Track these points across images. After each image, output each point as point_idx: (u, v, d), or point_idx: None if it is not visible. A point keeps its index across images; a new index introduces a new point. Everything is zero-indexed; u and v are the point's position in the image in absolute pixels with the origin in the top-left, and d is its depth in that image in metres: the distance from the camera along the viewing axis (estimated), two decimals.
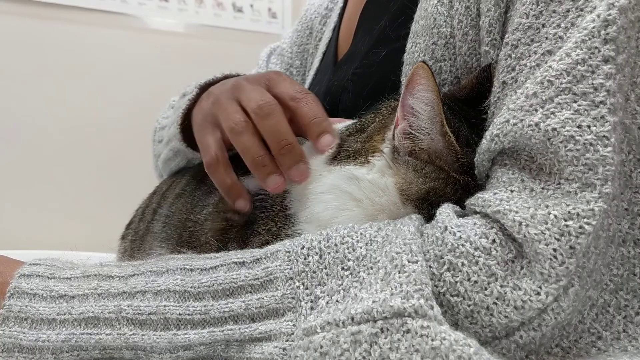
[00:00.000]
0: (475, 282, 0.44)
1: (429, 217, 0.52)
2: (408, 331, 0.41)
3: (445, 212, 0.49)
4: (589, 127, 0.45)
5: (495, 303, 0.44)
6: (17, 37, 1.81)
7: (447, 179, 0.54)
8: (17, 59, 1.81)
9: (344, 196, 0.58)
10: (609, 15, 0.46)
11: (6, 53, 1.79)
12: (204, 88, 0.75)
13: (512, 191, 0.48)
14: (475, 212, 0.49)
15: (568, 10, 0.49)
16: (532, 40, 0.51)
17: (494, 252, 0.45)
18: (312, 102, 0.61)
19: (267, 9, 2.22)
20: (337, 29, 0.94)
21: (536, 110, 0.47)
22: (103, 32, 1.93)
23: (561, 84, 0.46)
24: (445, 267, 0.46)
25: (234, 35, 2.15)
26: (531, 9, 0.51)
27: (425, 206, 0.54)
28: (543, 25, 0.50)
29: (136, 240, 0.77)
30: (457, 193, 0.54)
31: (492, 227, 0.46)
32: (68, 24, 1.88)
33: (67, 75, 1.87)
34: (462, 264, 0.45)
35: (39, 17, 1.84)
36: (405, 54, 0.66)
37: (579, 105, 0.46)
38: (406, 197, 0.55)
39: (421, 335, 0.40)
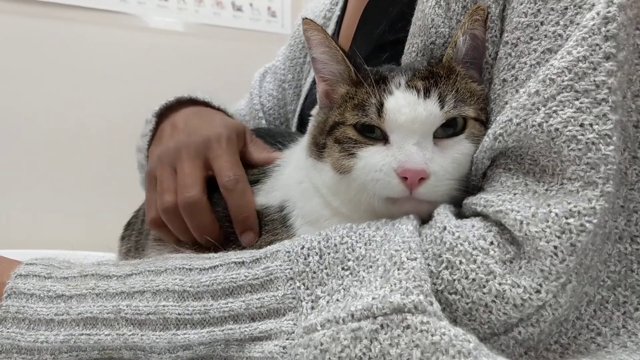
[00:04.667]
0: (474, 280, 0.45)
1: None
2: (408, 327, 0.41)
3: (444, 212, 0.50)
4: (591, 125, 0.45)
5: (493, 301, 0.44)
6: (14, 36, 1.81)
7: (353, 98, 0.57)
8: (15, 58, 1.81)
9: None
10: (609, 12, 0.46)
11: (4, 52, 1.79)
12: (159, 115, 0.80)
13: (515, 194, 0.48)
14: (475, 214, 0.50)
15: (566, 8, 0.49)
16: (531, 38, 0.51)
17: (491, 252, 0.45)
18: (239, 195, 0.66)
19: (266, 8, 2.22)
20: (336, 36, 0.94)
21: (538, 109, 0.47)
22: (102, 31, 1.93)
23: (563, 81, 0.46)
24: (444, 265, 0.46)
25: (234, 34, 2.15)
26: (529, 8, 0.51)
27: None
28: (542, 23, 0.50)
29: (141, 240, 0.77)
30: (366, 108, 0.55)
31: (490, 230, 0.47)
32: (67, 22, 1.88)
33: (66, 74, 1.87)
34: (460, 262, 0.45)
35: (37, 16, 1.84)
36: (402, 56, 0.66)
37: (580, 103, 0.46)
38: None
39: (421, 331, 0.41)
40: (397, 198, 0.52)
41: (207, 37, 2.11)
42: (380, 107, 0.53)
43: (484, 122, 0.55)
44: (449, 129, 0.53)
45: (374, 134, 0.54)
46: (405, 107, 0.52)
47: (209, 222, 0.66)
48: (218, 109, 0.83)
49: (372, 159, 0.53)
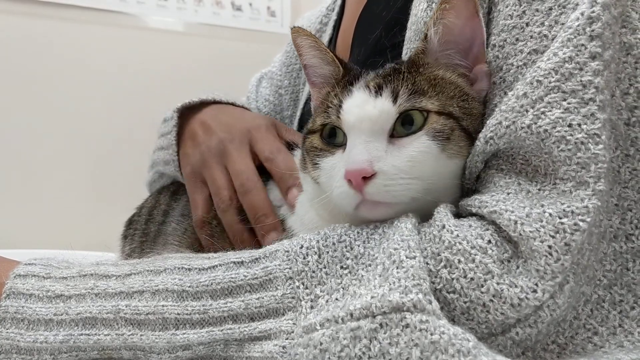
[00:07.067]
0: (472, 279, 0.45)
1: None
2: (407, 326, 0.41)
3: (444, 211, 0.49)
4: (579, 125, 0.45)
5: (491, 300, 0.44)
6: (14, 36, 1.81)
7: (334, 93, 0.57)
8: (15, 58, 1.81)
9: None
10: (593, 12, 0.46)
11: (4, 52, 1.79)
12: (181, 111, 0.81)
13: (508, 193, 0.48)
14: (471, 214, 0.50)
15: (551, 9, 0.50)
16: (517, 40, 0.51)
17: (489, 251, 0.45)
18: (282, 161, 0.69)
19: (266, 8, 2.22)
20: (333, 41, 0.95)
21: (527, 111, 0.47)
22: (102, 31, 1.93)
23: (550, 82, 0.46)
24: (442, 264, 0.46)
25: (233, 33, 2.15)
26: (514, 10, 0.52)
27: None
28: (527, 24, 0.51)
29: (147, 242, 0.77)
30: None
31: (488, 229, 0.47)
32: (66, 22, 1.88)
33: (66, 73, 1.87)
34: (459, 261, 0.45)
35: (37, 16, 1.84)
36: None
37: (568, 104, 0.46)
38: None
39: (420, 330, 0.40)
40: (356, 205, 0.50)
41: (206, 36, 2.11)
42: (339, 107, 0.54)
43: (455, 117, 0.52)
44: (408, 127, 0.52)
45: (337, 138, 0.54)
46: (355, 106, 0.52)
47: (262, 197, 0.67)
48: (242, 107, 0.85)
49: (331, 173, 0.53)
